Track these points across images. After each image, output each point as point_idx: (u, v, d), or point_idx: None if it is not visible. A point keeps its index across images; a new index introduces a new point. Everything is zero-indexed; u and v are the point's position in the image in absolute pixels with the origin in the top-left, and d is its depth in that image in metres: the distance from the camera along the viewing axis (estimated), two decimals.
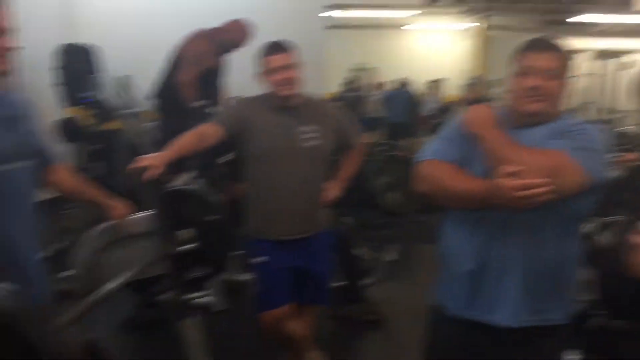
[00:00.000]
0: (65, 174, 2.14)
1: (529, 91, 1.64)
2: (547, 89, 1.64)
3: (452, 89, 11.36)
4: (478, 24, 10.75)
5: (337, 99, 10.46)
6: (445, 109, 10.22)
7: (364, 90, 11.22)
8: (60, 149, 4.82)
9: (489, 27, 10.33)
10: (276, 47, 2.44)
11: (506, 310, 1.72)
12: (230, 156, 3.71)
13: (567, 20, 10.08)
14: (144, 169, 2.11)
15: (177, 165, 2.69)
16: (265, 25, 4.38)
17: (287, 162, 2.48)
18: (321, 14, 5.58)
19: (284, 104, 2.49)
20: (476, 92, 9.79)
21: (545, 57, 1.65)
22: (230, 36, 4.23)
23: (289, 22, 5.34)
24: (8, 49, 1.77)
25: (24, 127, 1.90)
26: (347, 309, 3.84)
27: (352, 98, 10.25)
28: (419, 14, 11.49)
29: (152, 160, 2.15)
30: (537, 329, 1.74)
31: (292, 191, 2.51)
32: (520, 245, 1.69)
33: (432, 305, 1.92)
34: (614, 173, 2.60)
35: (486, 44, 12.10)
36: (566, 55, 1.70)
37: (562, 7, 5.44)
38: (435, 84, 11.22)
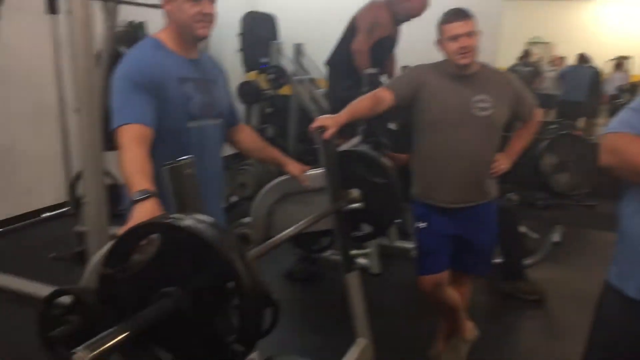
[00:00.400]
0: (247, 134, 2.35)
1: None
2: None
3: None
4: None
5: (510, 71, 10.03)
6: (632, 89, 9.37)
7: (539, 65, 10.62)
8: (240, 110, 5.21)
9: None
10: (457, 14, 2.42)
11: None
12: (396, 125, 3.78)
13: None
14: (321, 128, 2.24)
15: (350, 128, 2.81)
16: None
17: (460, 130, 2.48)
18: None
19: (460, 72, 2.48)
20: None
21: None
22: (407, 6, 4.23)
23: None
24: (211, 15, 1.97)
25: (217, 89, 2.11)
26: (508, 285, 3.77)
27: (526, 72, 9.75)
28: None
29: (328, 121, 2.27)
30: None
31: (462, 159, 2.50)
32: None
33: (607, 286, 1.82)
34: None
35: None
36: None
37: None
38: (620, 61, 10.30)
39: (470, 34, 2.39)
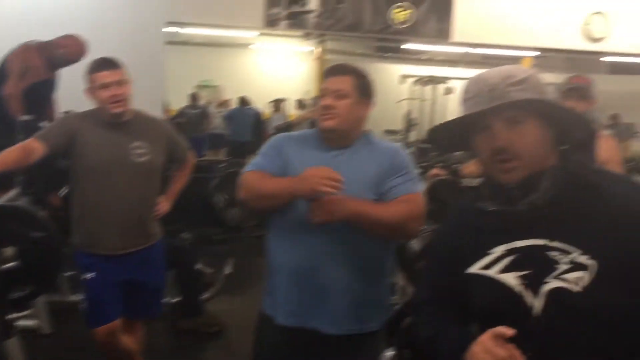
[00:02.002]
0: None
1: (323, 109, 1.84)
2: (338, 107, 1.83)
3: (296, 108, 11.75)
4: (316, 48, 11.29)
5: (179, 114, 10.36)
6: (287, 128, 10.54)
7: (207, 107, 11.23)
8: None
9: (326, 51, 10.88)
10: (104, 64, 2.44)
11: (329, 318, 1.85)
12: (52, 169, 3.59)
13: (397, 47, 10.95)
14: None
15: (6, 179, 2.58)
16: (105, 40, 4.30)
17: (117, 177, 2.49)
18: (163, 30, 5.54)
19: (114, 120, 2.51)
20: (316, 112, 10.23)
21: (336, 80, 1.86)
22: (64, 51, 4.09)
23: (129, 38, 5.27)
24: None
25: None
26: (188, 322, 3.87)
27: (194, 115, 10.21)
28: (264, 35, 11.77)
29: None
30: (358, 336, 1.89)
31: (123, 205, 2.52)
32: (341, 255, 1.83)
33: (259, 314, 2.02)
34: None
35: (322, 66, 12.68)
36: (360, 78, 1.87)
37: (390, 36, 5.96)
38: (278, 103, 11.55)
39: (120, 83, 2.43)
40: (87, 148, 2.47)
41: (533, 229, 1.15)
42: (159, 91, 5.53)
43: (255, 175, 1.88)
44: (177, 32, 9.96)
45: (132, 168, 2.51)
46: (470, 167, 2.97)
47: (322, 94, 1.86)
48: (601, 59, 8.60)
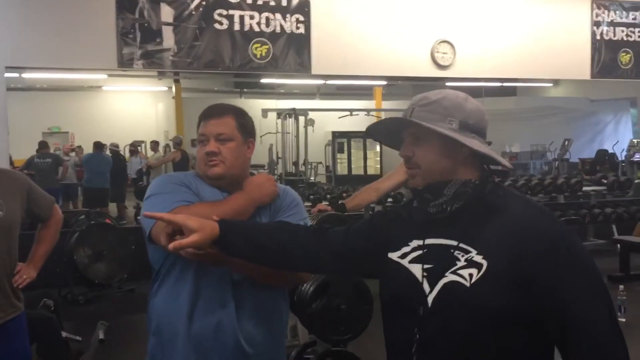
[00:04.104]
0: None
1: (207, 156, 1.69)
2: (223, 152, 1.68)
3: (151, 150, 11.32)
4: (171, 86, 11.02)
5: (28, 165, 9.53)
6: (148, 171, 10.11)
7: (59, 155, 10.45)
8: None
9: (183, 89, 10.65)
10: None
11: None
12: None
13: (258, 82, 11.01)
14: None
15: None
16: None
17: None
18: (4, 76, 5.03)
19: None
20: (178, 152, 9.94)
21: (216, 122, 1.72)
22: None
23: None
24: None
25: None
26: None
27: (44, 164, 9.44)
28: (115, 76, 11.27)
29: None
30: None
31: None
32: (242, 308, 1.67)
33: None
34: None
35: (180, 105, 12.36)
36: (241, 117, 1.76)
37: (251, 71, 5.92)
38: (135, 146, 11.07)
39: None
40: None
41: (443, 230, 1.29)
42: (3, 142, 4.98)
43: (195, 207, 1.60)
44: (20, 77, 9.21)
45: None
46: (354, 201, 2.95)
47: (202, 138, 1.71)
48: (447, 84, 9.22)
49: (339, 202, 3.01)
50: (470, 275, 1.22)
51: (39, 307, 3.50)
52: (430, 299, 1.25)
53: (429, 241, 1.32)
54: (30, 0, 4.98)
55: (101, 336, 3.72)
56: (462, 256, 1.25)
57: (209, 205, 1.62)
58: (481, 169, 1.33)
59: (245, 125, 1.77)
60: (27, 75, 9.13)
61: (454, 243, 1.27)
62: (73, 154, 11.10)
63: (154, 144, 11.13)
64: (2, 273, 2.27)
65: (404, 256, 1.35)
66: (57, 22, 5.01)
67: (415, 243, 1.34)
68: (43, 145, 9.94)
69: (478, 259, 1.23)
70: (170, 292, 1.69)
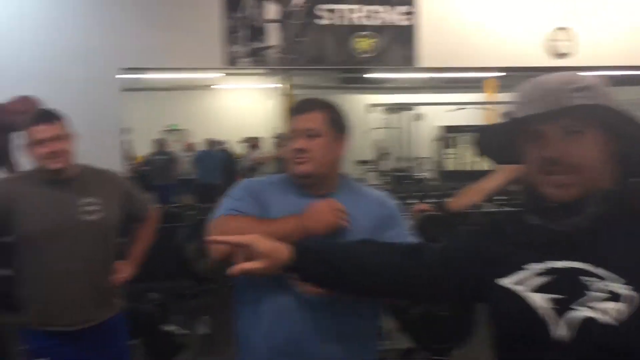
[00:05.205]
0: None
1: (295, 153, 1.61)
2: (311, 148, 1.60)
3: (266, 147, 11.53)
4: (280, 84, 11.14)
5: (146, 162, 10.06)
6: (257, 167, 10.31)
7: (174, 152, 10.95)
8: None
9: (292, 86, 10.73)
10: (42, 117, 2.20)
11: None
12: None
13: (363, 76, 10.87)
14: None
15: None
16: (57, 94, 4.00)
17: (66, 241, 2.21)
18: (122, 77, 5.28)
19: (56, 178, 2.23)
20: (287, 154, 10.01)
21: (305, 117, 1.64)
22: (18, 116, 3.73)
23: (83, 89, 4.99)
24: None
25: None
26: None
27: (162, 161, 9.92)
28: (226, 75, 11.59)
29: None
30: None
31: (73, 274, 2.23)
32: (328, 329, 1.57)
33: None
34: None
35: (291, 102, 12.51)
36: (331, 112, 1.67)
37: (356, 66, 5.82)
38: (249, 142, 11.30)
39: (59, 137, 2.18)
40: (29, 213, 2.20)
41: (573, 251, 1.05)
42: (117, 141, 5.22)
43: (238, 220, 1.59)
44: (139, 78, 9.71)
45: (82, 227, 2.23)
46: (458, 201, 2.76)
47: (291, 135, 1.63)
48: None
49: (443, 202, 2.83)
50: (614, 311, 0.98)
51: (144, 301, 3.61)
52: (560, 337, 1.01)
53: (552, 264, 1.07)
54: (140, 4, 5.17)
55: (204, 331, 3.77)
56: (598, 285, 1.01)
57: (254, 222, 1.55)
58: (618, 172, 1.08)
59: (337, 120, 1.67)
60: (145, 76, 9.60)
61: (590, 268, 1.03)
62: (188, 151, 11.56)
63: (253, 141, 11.26)
64: (102, 272, 2.32)
65: (520, 283, 1.09)
66: (166, 24, 5.17)
67: (535, 267, 1.08)
68: (160, 143, 10.45)
69: (623, 290, 0.99)
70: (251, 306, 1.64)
